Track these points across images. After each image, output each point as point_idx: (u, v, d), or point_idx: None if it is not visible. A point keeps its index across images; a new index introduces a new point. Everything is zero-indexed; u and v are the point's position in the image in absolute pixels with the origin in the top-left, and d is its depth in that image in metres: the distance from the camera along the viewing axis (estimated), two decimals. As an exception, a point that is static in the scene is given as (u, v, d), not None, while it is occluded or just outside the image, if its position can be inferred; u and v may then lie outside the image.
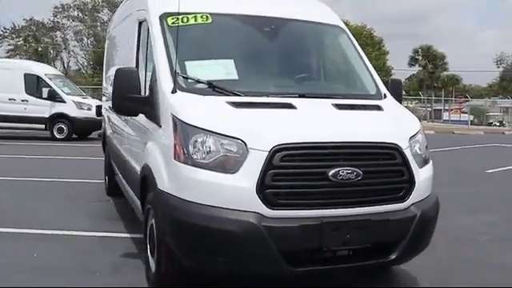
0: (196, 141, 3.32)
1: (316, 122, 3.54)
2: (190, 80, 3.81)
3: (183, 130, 3.38)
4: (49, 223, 5.70)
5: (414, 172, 3.52)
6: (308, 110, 3.66)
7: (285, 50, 4.48)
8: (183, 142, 3.36)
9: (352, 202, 3.32)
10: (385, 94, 4.28)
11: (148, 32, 4.42)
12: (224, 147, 3.26)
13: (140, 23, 4.82)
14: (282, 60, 4.41)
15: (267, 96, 3.78)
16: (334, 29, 4.88)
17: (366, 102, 4.02)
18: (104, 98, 7.66)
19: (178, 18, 4.26)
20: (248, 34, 4.42)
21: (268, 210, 3.15)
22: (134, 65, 4.81)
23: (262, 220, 3.13)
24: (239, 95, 3.71)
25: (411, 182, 3.50)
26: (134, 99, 3.95)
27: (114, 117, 5.93)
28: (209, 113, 3.49)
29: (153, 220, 3.78)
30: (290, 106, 3.64)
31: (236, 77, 3.97)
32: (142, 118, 4.15)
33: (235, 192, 3.19)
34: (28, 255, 4.60)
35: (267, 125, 3.39)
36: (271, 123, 3.42)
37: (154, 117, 3.83)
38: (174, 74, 3.72)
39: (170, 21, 4.27)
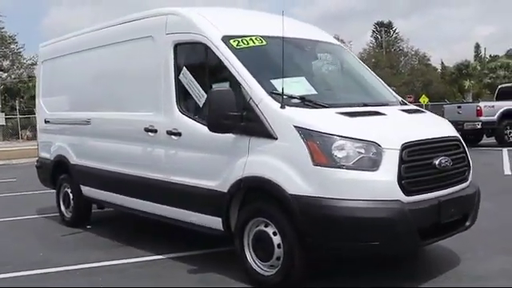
0: (337, 146, 3.86)
1: (408, 124, 4.38)
2: (284, 96, 4.27)
3: (321, 139, 3.88)
4: (48, 262, 5.35)
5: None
6: (394, 116, 4.47)
7: (331, 67, 5.22)
8: (323, 148, 3.86)
9: (450, 183, 4.23)
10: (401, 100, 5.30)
11: (206, 54, 4.71)
12: (362, 150, 3.86)
13: (177, 45, 5.02)
14: (331, 75, 5.11)
15: (348, 107, 4.45)
16: (341, 48, 5.76)
17: (410, 107, 4.97)
18: (56, 127, 7.21)
19: (240, 41, 4.69)
20: (297, 53, 5.01)
21: (405, 196, 3.86)
22: (170, 84, 4.99)
23: (404, 205, 3.83)
24: (330, 107, 4.33)
25: (469, 165, 4.56)
26: (233, 117, 4.26)
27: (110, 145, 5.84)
28: (335, 122, 4.04)
29: (266, 226, 4.17)
30: (380, 114, 4.39)
31: (315, 92, 4.55)
32: (226, 136, 4.41)
33: (380, 185, 3.82)
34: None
35: (385, 128, 4.11)
36: (386, 127, 4.14)
37: (260, 131, 4.19)
38: (282, 91, 4.16)
39: (233, 43, 4.66)
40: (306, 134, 3.94)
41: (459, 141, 4.52)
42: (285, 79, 4.43)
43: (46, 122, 7.41)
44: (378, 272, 4.60)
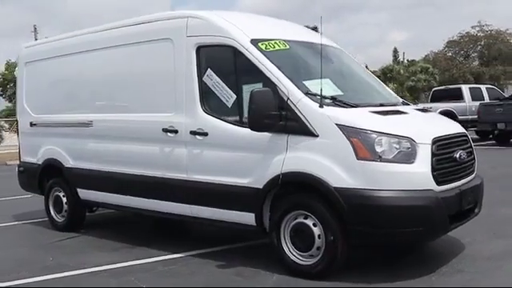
0: (379, 142, 4.24)
1: (429, 121, 4.85)
2: (317, 96, 4.60)
3: (364, 135, 4.24)
4: (64, 265, 5.32)
5: None
6: (415, 115, 4.94)
7: (342, 69, 5.59)
8: (366, 144, 4.22)
9: (467, 174, 4.75)
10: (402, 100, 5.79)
11: (235, 56, 4.94)
12: (400, 145, 4.27)
13: (199, 47, 5.20)
14: (345, 77, 5.49)
15: (369, 106, 4.84)
16: (342, 51, 6.16)
17: (420, 107, 5.46)
18: (44, 130, 7.06)
19: (267, 44, 4.97)
20: (316, 56, 5.34)
21: (437, 186, 4.31)
22: (193, 85, 5.17)
23: (437, 194, 4.28)
24: (359, 107, 4.71)
25: (475, 158, 5.11)
26: (273, 116, 4.53)
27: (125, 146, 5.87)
28: (372, 120, 4.41)
29: (305, 219, 4.48)
30: (404, 113, 4.84)
31: (341, 92, 4.91)
32: (260, 135, 4.65)
33: (417, 176, 4.24)
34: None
35: (415, 125, 4.55)
36: (415, 124, 4.58)
37: (299, 129, 4.48)
38: (320, 92, 4.49)
39: (262, 46, 4.93)
40: (349, 131, 4.28)
41: (467, 136, 5.06)
42: (313, 81, 4.76)
43: (32, 125, 7.22)
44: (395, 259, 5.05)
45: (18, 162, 7.77)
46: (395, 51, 63.79)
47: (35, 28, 40.14)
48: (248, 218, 4.84)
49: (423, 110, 5.35)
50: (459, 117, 18.14)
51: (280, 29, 5.56)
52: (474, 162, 5.03)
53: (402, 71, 47.87)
